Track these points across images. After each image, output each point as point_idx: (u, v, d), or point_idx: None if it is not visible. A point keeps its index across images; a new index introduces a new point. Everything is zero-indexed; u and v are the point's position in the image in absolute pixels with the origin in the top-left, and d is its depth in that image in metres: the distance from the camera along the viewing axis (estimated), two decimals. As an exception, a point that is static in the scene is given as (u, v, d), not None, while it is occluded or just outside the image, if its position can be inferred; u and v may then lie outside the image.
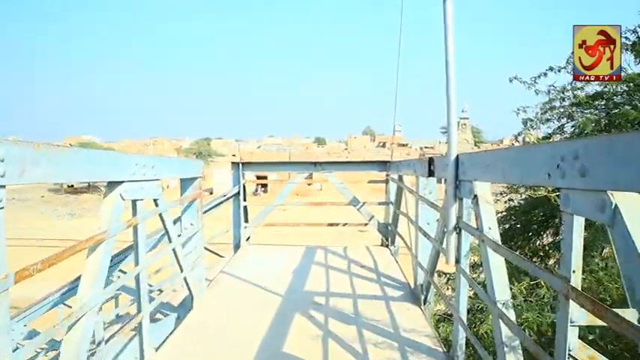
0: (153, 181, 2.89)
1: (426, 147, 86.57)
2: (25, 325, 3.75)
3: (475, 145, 64.14)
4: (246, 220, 6.15)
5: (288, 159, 59.26)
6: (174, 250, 3.41)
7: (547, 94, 5.50)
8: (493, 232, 2.29)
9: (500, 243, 2.22)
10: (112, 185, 2.45)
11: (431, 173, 3.37)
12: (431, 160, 3.36)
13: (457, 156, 2.65)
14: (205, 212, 4.59)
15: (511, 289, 2.71)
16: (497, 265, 2.23)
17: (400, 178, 4.98)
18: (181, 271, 3.60)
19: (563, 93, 5.47)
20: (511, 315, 2.08)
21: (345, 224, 6.37)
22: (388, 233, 5.93)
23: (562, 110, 5.40)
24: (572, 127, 5.24)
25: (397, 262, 5.24)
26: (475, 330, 3.74)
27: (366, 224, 6.09)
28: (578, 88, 5.19)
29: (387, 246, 5.94)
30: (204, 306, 3.88)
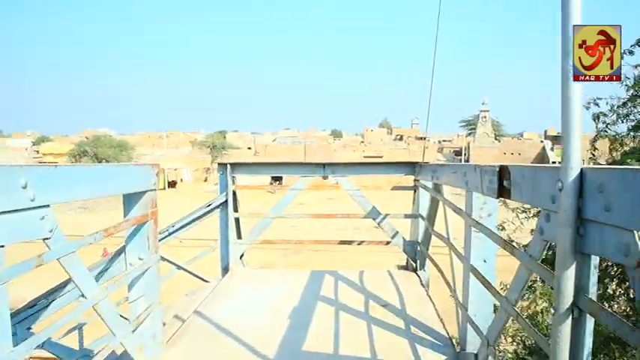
0: (29, 210, 1.66)
1: (444, 140, 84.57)
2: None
3: (495, 139, 61.97)
4: (239, 236, 4.93)
5: (303, 152, 58.13)
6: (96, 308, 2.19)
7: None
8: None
9: None
10: None
11: (502, 192, 2.08)
12: (504, 171, 2.05)
13: (581, 170, 1.37)
14: (165, 239, 3.38)
15: None
16: None
17: (437, 188, 3.69)
18: (114, 334, 2.38)
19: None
20: None
21: (360, 243, 5.08)
22: (416, 255, 4.64)
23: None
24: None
25: (431, 299, 3.96)
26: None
27: (388, 243, 4.80)
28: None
29: (414, 270, 4.66)
30: (155, 380, 2.66)
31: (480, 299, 2.64)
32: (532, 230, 3.72)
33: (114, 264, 2.94)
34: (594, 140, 5.00)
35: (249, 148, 67.05)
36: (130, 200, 2.68)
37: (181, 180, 51.98)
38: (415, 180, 4.62)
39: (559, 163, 1.49)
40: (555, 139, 66.35)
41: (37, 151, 66.56)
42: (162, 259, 4.35)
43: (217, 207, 4.59)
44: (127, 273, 2.67)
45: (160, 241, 3.02)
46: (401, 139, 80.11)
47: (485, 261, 2.66)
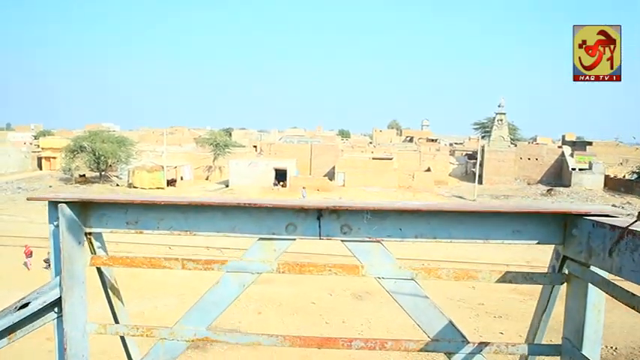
0: None
1: (455, 143, 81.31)
2: None
3: (512, 143, 58.70)
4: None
5: (309, 151, 55.09)
6: None
7: None
8: None
9: None
10: None
11: None
12: None
13: None
14: None
15: None
16: None
17: None
18: None
19: None
20: None
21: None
22: None
23: None
24: None
25: None
26: None
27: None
28: None
29: None
30: None
31: None
32: None
33: None
34: None
35: (255, 147, 64.17)
36: None
37: (182, 178, 49.07)
38: (565, 258, 1.76)
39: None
40: (574, 145, 62.83)
41: (38, 145, 64.35)
42: None
43: (45, 312, 1.77)
44: None
45: None
46: (411, 140, 76.94)
47: None
